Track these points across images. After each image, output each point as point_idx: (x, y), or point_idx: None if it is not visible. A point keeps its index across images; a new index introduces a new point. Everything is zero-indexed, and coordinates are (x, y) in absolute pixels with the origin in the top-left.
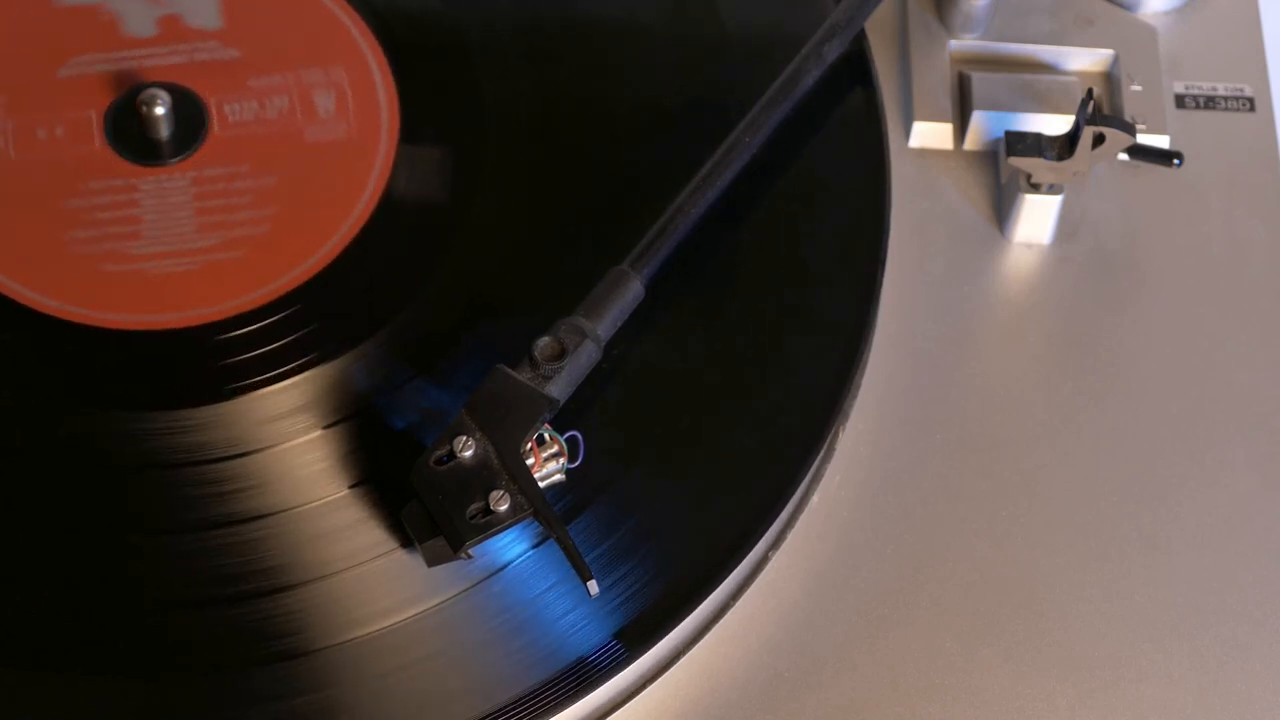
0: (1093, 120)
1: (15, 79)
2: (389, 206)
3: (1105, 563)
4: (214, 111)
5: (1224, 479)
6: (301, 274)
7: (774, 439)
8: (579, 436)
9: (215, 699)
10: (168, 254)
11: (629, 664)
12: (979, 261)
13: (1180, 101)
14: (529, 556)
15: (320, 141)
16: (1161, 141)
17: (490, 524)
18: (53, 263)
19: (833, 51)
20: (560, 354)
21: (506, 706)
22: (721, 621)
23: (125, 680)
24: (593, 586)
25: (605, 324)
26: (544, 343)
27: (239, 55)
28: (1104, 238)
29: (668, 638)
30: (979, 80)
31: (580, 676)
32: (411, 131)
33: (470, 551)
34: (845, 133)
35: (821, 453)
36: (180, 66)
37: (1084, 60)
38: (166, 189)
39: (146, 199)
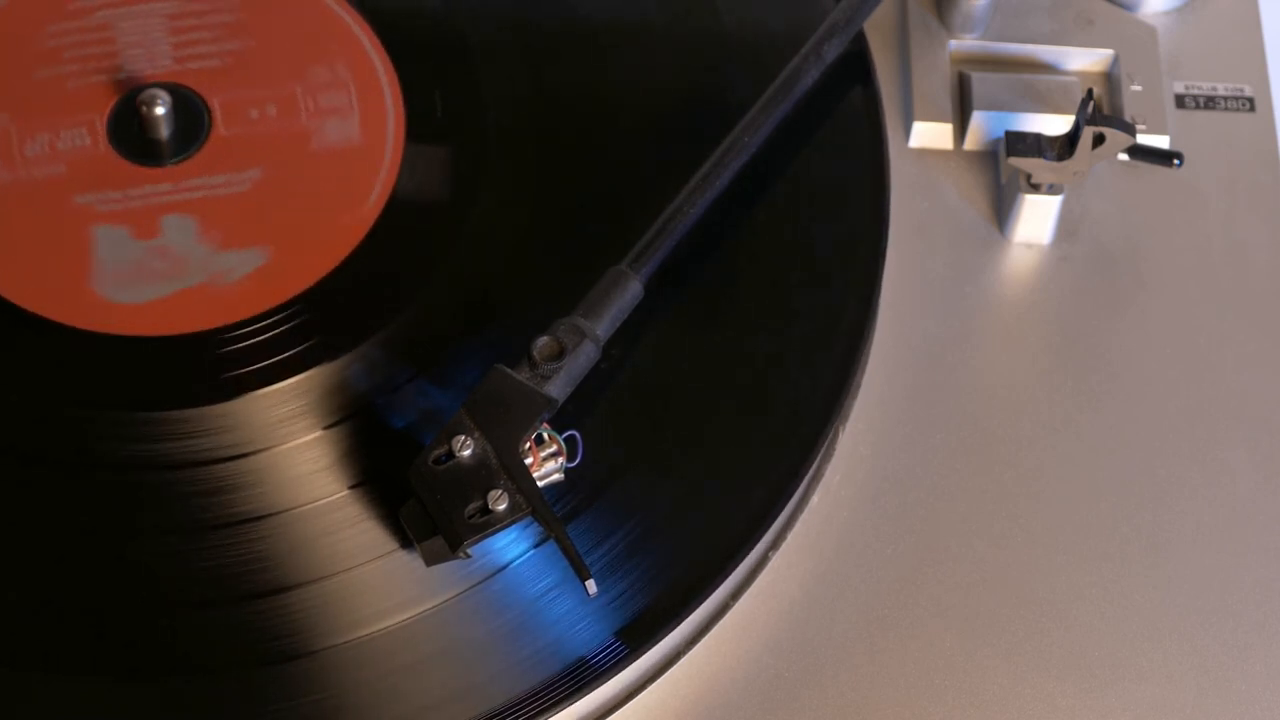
0: (1093, 120)
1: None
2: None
3: (1105, 563)
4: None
5: (1224, 479)
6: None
7: (774, 439)
8: (578, 436)
9: (215, 700)
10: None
11: (629, 664)
12: (979, 261)
13: (1180, 101)
14: (528, 557)
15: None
16: (1161, 141)
17: (489, 523)
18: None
19: (832, 51)
20: (559, 354)
21: (506, 707)
22: (721, 621)
23: (124, 681)
24: (591, 586)
25: (604, 324)
26: (543, 342)
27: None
28: (1104, 238)
29: (668, 638)
30: (979, 80)
31: (580, 677)
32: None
33: (469, 551)
34: (845, 133)
35: (821, 453)
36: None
37: (1084, 60)
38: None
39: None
